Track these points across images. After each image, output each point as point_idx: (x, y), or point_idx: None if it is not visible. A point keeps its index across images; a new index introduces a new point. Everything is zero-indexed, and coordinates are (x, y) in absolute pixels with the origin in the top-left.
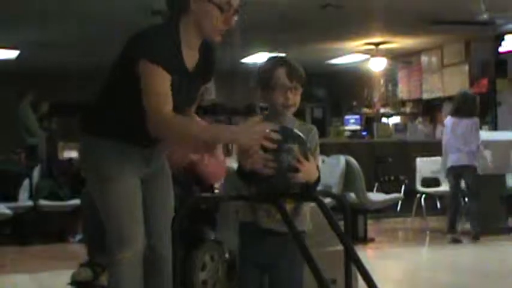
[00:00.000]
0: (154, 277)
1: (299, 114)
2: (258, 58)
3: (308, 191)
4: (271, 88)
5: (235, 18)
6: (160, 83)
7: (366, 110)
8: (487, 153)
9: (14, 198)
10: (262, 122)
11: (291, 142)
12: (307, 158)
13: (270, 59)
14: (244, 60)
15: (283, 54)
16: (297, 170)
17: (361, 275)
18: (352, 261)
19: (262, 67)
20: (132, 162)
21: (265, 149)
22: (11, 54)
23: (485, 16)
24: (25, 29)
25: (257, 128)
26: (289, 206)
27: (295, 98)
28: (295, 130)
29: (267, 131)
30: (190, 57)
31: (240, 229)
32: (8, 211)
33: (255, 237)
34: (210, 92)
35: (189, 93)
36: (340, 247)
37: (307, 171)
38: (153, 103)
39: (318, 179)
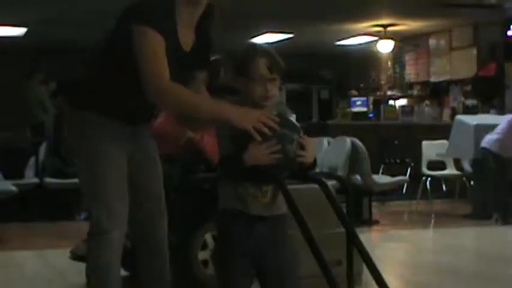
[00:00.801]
0: (154, 259)
1: (305, 95)
2: (267, 38)
3: (306, 173)
4: (251, 78)
5: None
6: (157, 47)
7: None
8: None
9: (20, 175)
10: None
11: (291, 131)
12: (303, 147)
13: (250, 48)
14: (253, 40)
15: (263, 43)
16: (300, 159)
17: (362, 257)
18: (353, 243)
19: (241, 55)
20: (117, 139)
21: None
22: (19, 31)
23: (493, 0)
24: (33, 5)
25: (259, 112)
26: (269, 189)
27: (273, 90)
28: (291, 119)
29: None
30: (185, 37)
31: (222, 216)
32: (14, 188)
33: (241, 225)
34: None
35: (179, 73)
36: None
37: (309, 157)
38: (152, 67)
39: (315, 162)
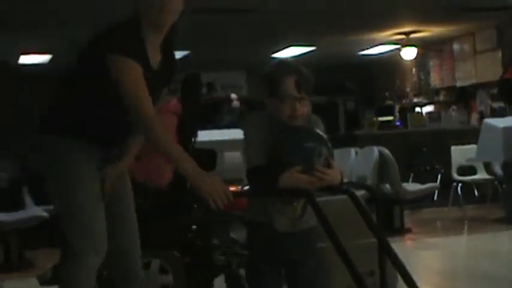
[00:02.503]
0: (132, 282)
1: (332, 107)
2: (290, 52)
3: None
4: (279, 98)
5: None
6: (137, 75)
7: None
8: None
9: (49, 201)
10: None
11: (320, 145)
12: (332, 158)
13: (279, 65)
14: (277, 55)
15: (291, 60)
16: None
17: (396, 267)
18: (385, 253)
19: (269, 73)
20: (92, 162)
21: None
22: (43, 58)
23: None
24: (57, 31)
25: (220, 186)
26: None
27: (302, 109)
28: (319, 132)
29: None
30: (153, 57)
31: (251, 229)
32: (45, 214)
33: (270, 241)
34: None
35: (152, 92)
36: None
37: (334, 179)
38: (135, 96)
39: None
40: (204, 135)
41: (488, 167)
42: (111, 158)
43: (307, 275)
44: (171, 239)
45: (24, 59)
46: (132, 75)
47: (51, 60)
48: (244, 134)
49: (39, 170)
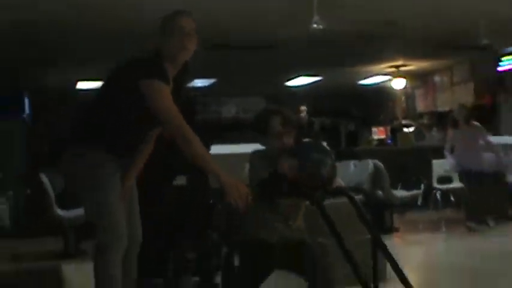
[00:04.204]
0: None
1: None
2: (300, 81)
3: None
4: (268, 134)
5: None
6: (169, 96)
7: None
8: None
9: None
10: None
11: (325, 156)
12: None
13: (265, 109)
14: (288, 83)
15: (275, 106)
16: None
17: (387, 259)
18: (378, 247)
19: (258, 117)
20: (116, 169)
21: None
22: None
23: (485, 41)
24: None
25: (243, 190)
26: (289, 202)
27: (289, 141)
28: (325, 146)
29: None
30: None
31: (244, 247)
32: None
33: (267, 256)
34: None
35: None
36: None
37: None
38: (173, 115)
39: None
40: (226, 149)
41: (462, 178)
42: (125, 166)
43: (310, 254)
44: None
45: (81, 85)
46: (168, 97)
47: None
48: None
49: (69, 178)
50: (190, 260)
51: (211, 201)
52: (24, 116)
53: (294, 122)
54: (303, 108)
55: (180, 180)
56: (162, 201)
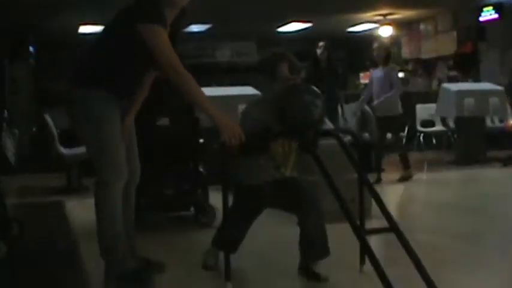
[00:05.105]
0: (128, 207)
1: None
2: (291, 27)
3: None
4: (275, 79)
5: None
6: (167, 40)
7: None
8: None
9: None
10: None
11: (316, 98)
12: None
13: (273, 54)
14: (280, 29)
15: (281, 51)
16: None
17: (372, 195)
18: (364, 184)
19: (265, 61)
20: (116, 109)
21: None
22: (97, 29)
23: None
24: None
25: (238, 130)
26: (282, 150)
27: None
28: (316, 89)
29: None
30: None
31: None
32: None
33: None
34: None
35: None
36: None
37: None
38: (171, 57)
39: None
40: (221, 91)
41: (444, 121)
42: (125, 108)
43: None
44: None
45: (83, 29)
46: (166, 40)
47: None
48: (244, 112)
49: (72, 117)
50: (168, 196)
51: (200, 141)
52: (30, 58)
53: (298, 68)
54: (321, 44)
55: (164, 122)
56: (146, 140)
